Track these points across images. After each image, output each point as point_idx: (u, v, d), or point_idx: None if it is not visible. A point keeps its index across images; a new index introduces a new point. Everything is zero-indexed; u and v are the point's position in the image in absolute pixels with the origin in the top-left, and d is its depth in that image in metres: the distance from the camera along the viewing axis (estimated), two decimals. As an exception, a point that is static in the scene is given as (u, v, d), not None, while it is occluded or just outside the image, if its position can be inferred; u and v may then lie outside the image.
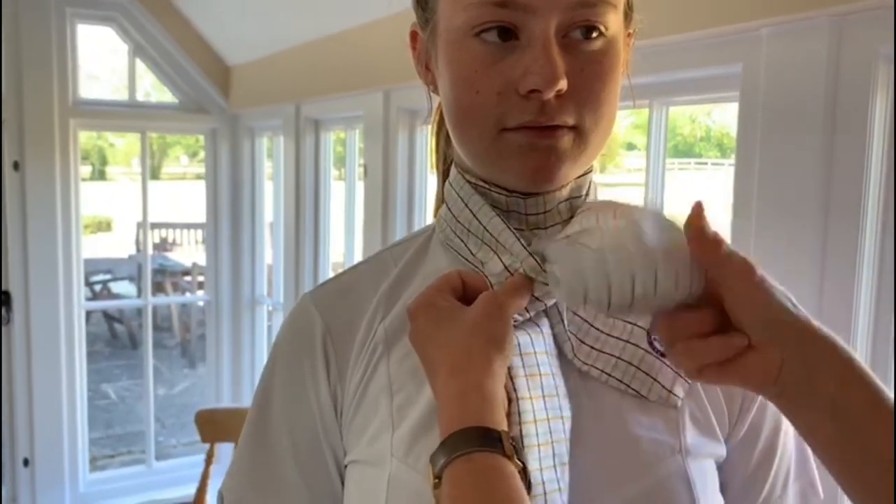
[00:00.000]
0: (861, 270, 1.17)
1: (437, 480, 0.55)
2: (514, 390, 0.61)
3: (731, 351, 0.56)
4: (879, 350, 1.18)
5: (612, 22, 0.62)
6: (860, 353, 1.18)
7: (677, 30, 1.38)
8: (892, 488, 0.52)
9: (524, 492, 0.53)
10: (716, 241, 0.56)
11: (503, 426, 0.56)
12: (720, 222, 0.59)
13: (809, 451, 0.74)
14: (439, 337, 0.62)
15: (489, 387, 0.58)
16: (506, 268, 0.66)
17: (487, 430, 0.55)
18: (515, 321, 0.65)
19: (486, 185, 0.68)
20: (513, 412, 0.61)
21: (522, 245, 0.65)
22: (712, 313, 0.57)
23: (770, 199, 1.28)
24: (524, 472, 0.55)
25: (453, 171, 0.73)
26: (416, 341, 0.65)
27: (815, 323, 0.57)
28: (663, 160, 1.63)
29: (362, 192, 2.63)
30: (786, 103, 1.24)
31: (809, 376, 0.55)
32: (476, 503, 0.52)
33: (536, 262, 0.64)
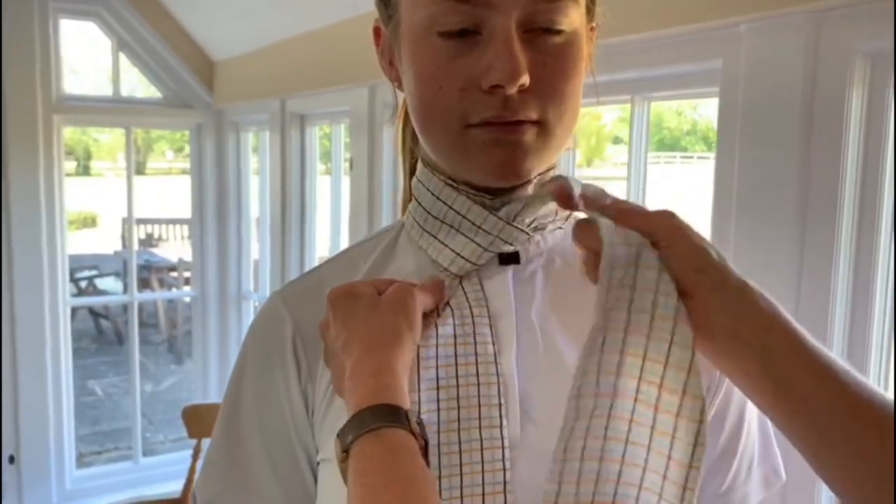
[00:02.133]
0: (837, 263, 1.19)
1: (344, 454, 0.56)
2: (418, 382, 0.63)
3: None
4: (856, 339, 1.20)
5: (574, 16, 0.63)
6: (836, 343, 1.20)
7: (658, 26, 1.39)
8: (816, 428, 0.56)
9: (426, 467, 0.56)
10: (622, 208, 0.62)
11: (408, 404, 0.58)
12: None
13: (773, 437, 0.76)
14: (354, 319, 0.64)
15: (399, 366, 0.60)
16: (479, 245, 0.68)
17: (396, 408, 0.57)
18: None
19: (454, 183, 0.69)
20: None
21: (497, 217, 0.68)
22: None
23: (749, 192, 1.29)
24: (426, 450, 0.57)
25: (420, 167, 0.73)
26: (332, 325, 0.65)
27: (739, 275, 0.60)
28: (645, 154, 1.65)
29: (348, 187, 2.63)
30: (765, 99, 1.26)
31: (735, 322, 0.58)
32: (382, 476, 0.53)
33: (513, 226, 0.67)
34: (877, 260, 1.18)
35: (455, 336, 0.66)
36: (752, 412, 0.75)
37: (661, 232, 0.60)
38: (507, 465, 0.61)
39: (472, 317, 0.67)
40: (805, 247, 1.22)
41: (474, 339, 0.66)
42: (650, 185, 1.67)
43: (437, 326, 0.66)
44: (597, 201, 0.62)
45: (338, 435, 0.57)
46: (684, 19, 1.35)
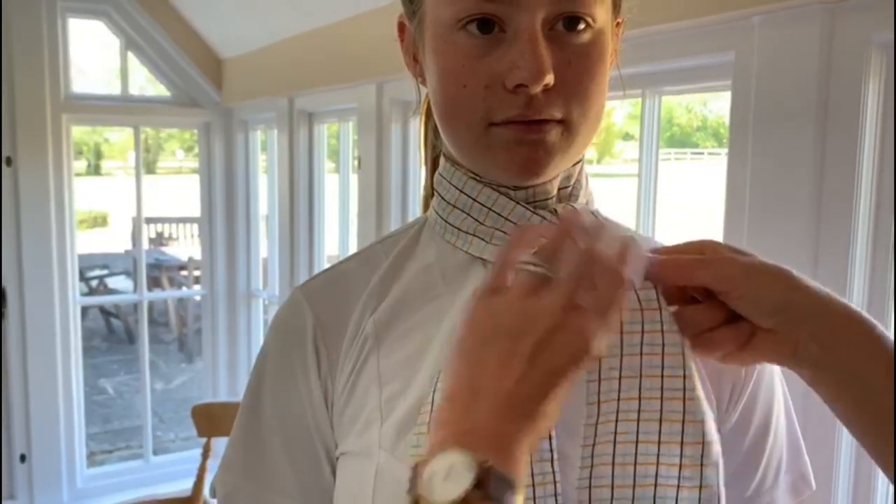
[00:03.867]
0: (854, 260, 1.16)
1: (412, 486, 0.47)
2: None
3: (740, 339, 0.59)
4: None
5: (600, 13, 0.62)
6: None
7: (670, 18, 1.37)
8: None
9: None
10: (679, 265, 0.60)
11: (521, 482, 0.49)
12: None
13: (802, 443, 0.74)
14: (484, 362, 0.52)
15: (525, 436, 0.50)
16: (505, 234, 0.67)
17: (511, 483, 0.47)
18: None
19: (477, 178, 0.69)
20: None
21: (525, 206, 0.67)
22: (718, 306, 0.60)
23: (762, 187, 1.27)
24: None
25: (443, 161, 0.73)
26: (456, 352, 0.55)
27: (826, 294, 0.59)
28: (656, 149, 1.63)
29: (356, 185, 2.62)
30: (778, 91, 1.24)
31: (824, 352, 0.57)
32: None
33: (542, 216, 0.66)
34: (894, 257, 1.16)
35: None
36: (780, 419, 0.73)
37: (728, 282, 0.59)
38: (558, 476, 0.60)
39: None
40: (820, 243, 1.19)
41: None
42: (661, 181, 1.65)
43: None
44: (644, 266, 0.60)
45: (415, 467, 0.48)
46: (696, 11, 1.33)
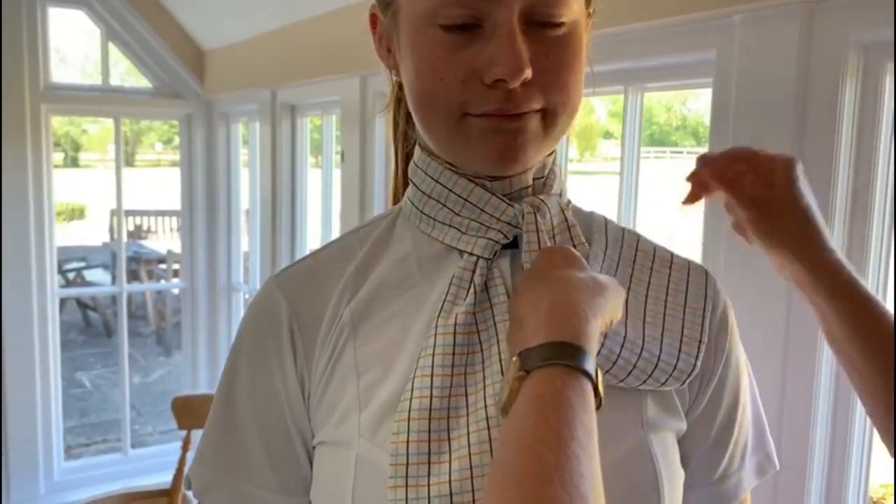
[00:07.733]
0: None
1: (524, 373, 0.55)
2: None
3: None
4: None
5: (574, 6, 0.63)
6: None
7: (652, 16, 1.39)
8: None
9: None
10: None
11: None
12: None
13: (766, 425, 0.78)
14: (573, 278, 0.62)
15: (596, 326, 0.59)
16: (482, 224, 0.69)
17: (590, 363, 0.56)
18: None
19: (453, 169, 0.69)
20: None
21: (500, 198, 0.68)
22: None
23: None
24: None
25: (418, 152, 0.73)
26: (542, 268, 0.64)
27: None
28: (638, 145, 1.65)
29: (339, 179, 2.62)
30: (758, 89, 1.26)
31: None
32: (564, 418, 0.51)
33: (512, 207, 0.68)
34: (869, 250, 1.18)
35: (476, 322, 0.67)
36: (746, 405, 0.75)
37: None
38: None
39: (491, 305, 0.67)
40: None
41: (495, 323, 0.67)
42: (642, 178, 1.66)
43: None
44: None
45: (521, 353, 0.57)
46: (678, 9, 1.35)
